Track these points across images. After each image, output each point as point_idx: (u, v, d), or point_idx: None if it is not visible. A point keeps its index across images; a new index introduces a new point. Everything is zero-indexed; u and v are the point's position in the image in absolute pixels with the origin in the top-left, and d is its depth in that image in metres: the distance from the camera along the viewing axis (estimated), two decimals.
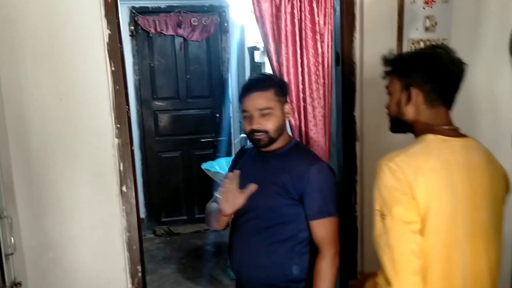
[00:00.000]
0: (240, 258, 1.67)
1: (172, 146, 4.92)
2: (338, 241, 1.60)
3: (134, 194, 1.87)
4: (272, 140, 1.60)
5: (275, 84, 1.63)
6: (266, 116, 1.58)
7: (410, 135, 1.43)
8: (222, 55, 4.80)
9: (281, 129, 1.62)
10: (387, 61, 1.38)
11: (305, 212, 1.57)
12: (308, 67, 1.88)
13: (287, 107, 1.65)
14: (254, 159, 1.73)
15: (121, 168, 1.85)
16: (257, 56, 3.57)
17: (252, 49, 3.76)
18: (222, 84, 4.84)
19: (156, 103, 4.77)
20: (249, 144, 1.76)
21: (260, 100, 1.57)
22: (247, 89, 1.61)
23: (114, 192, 1.86)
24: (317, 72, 1.89)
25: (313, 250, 1.60)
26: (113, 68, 1.78)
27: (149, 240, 4.77)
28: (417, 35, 1.89)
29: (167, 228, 4.96)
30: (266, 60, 3.41)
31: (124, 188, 1.86)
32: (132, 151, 1.87)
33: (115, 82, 1.80)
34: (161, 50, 4.69)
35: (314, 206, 1.55)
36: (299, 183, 1.55)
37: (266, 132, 1.58)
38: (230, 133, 4.90)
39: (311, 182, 1.55)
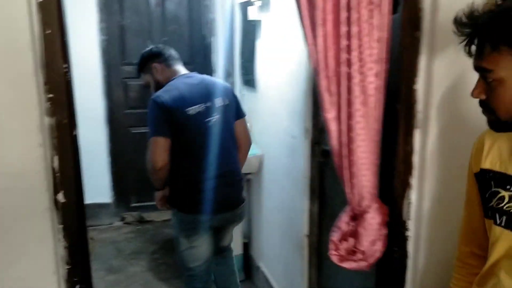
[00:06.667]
0: None
1: (144, 120, 4.17)
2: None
3: (75, 207, 1.16)
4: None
5: (140, 66, 2.47)
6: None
7: None
8: (206, 14, 4.07)
9: (160, 84, 2.31)
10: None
11: None
12: (358, 11, 1.18)
13: (154, 66, 2.36)
14: None
15: (55, 164, 1.13)
16: (252, 13, 2.86)
17: (245, 5, 3.04)
18: (204, 48, 4.13)
19: (126, 69, 4.08)
20: None
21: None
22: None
23: (42, 206, 1.14)
24: (371, 20, 1.20)
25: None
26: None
27: (116, 229, 4.19)
28: None
29: (138, 215, 4.41)
30: (262, 16, 2.73)
31: (60, 198, 1.15)
32: (75, 137, 1.16)
33: (44, 22, 1.07)
34: (133, 7, 4.06)
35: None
36: None
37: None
38: None
39: None
